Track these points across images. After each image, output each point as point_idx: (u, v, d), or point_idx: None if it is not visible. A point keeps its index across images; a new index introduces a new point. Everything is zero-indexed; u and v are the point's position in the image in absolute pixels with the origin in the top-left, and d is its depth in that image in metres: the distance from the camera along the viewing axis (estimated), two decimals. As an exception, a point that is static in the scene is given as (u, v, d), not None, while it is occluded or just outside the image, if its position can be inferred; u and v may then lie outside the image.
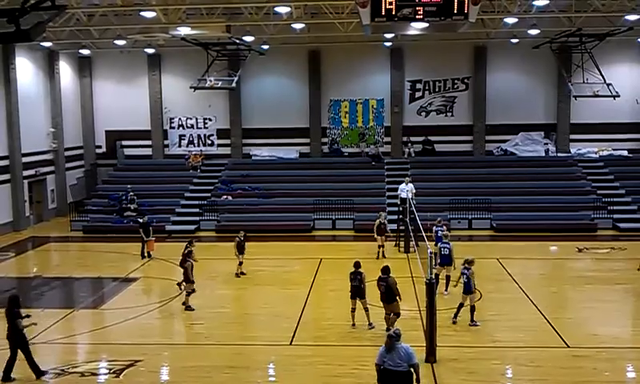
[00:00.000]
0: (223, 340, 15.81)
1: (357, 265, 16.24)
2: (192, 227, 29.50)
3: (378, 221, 23.61)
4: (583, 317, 17.08)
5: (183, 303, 17.93)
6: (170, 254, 23.74)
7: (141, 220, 25.32)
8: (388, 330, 15.57)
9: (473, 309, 16.17)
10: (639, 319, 16.40)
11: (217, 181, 33.04)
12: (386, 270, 15.68)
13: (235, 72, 32.17)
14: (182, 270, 18.55)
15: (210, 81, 30.53)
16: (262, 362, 14.57)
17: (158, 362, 14.48)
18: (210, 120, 35.68)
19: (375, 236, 23.49)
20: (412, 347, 10.82)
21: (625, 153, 33.59)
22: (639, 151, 33.80)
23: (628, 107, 33.20)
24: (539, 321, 16.40)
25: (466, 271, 16.18)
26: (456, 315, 16.33)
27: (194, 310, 17.72)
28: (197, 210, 30.69)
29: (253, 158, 35.32)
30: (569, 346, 14.89)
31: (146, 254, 24.36)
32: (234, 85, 31.70)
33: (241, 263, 21.45)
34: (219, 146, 35.70)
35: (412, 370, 10.53)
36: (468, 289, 16.12)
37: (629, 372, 14.01)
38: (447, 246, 18.62)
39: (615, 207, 29.26)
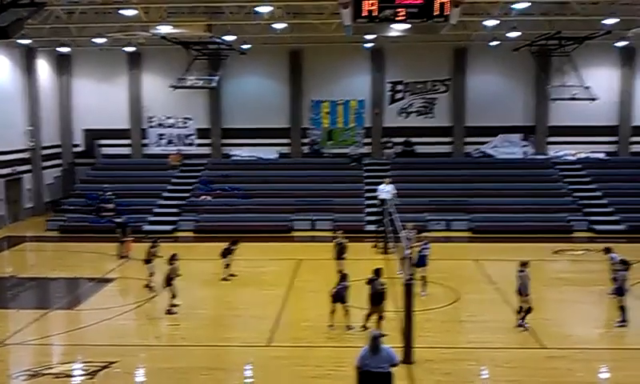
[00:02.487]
0: (200, 341, 15.72)
1: (377, 272, 15.93)
2: (170, 227, 29.31)
3: (334, 242, 20.72)
4: (559, 318, 17.22)
5: (167, 311, 17.70)
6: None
7: (118, 220, 25.12)
8: (364, 328, 15.66)
9: (528, 311, 16.05)
10: (613, 320, 16.52)
11: (196, 181, 32.88)
12: (377, 273, 15.73)
13: (216, 71, 32.08)
14: (147, 269, 18.89)
15: (191, 80, 30.40)
16: (240, 364, 14.50)
17: (134, 364, 14.37)
18: (190, 119, 35.51)
19: (335, 258, 20.35)
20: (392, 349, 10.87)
21: (602, 156, 33.96)
22: (616, 154, 34.22)
23: (605, 110, 33.56)
24: (514, 321, 16.48)
25: (521, 273, 16.14)
26: (523, 319, 16.18)
27: (175, 313, 17.58)
28: (175, 210, 30.53)
29: (232, 158, 35.22)
30: (545, 347, 15.02)
31: (123, 255, 24.17)
32: (214, 84, 31.61)
33: (227, 265, 21.25)
34: (199, 145, 35.55)
35: (392, 371, 10.55)
36: (523, 290, 16.04)
37: (603, 373, 14.17)
38: (427, 247, 18.70)
39: (591, 209, 29.58)
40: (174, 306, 17.72)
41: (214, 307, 19.03)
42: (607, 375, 14.06)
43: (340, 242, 20.36)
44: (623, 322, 16.28)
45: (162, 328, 17.06)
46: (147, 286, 19.31)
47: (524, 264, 16.24)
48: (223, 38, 28.71)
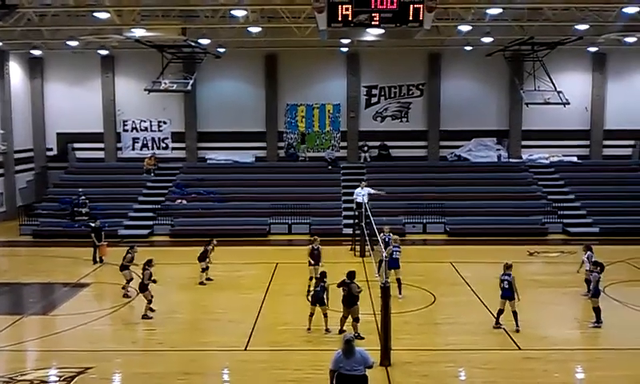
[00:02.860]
0: (177, 346, 15.59)
1: (350, 275, 15.89)
2: (145, 232, 29.07)
3: (310, 246, 19.90)
4: (534, 319, 17.36)
5: (143, 316, 17.52)
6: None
7: (93, 224, 24.84)
8: (341, 331, 15.68)
9: (515, 314, 16.16)
10: (587, 321, 16.75)
11: (171, 184, 32.65)
12: (351, 275, 15.76)
13: (191, 75, 31.90)
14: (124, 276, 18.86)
15: (165, 83, 30.22)
16: (217, 368, 14.42)
17: (110, 369, 14.20)
18: (165, 123, 35.30)
19: (309, 264, 19.59)
20: (366, 351, 10.88)
21: (574, 159, 34.47)
22: (588, 157, 34.75)
23: (577, 114, 34.07)
24: (491, 323, 16.64)
25: (506, 276, 16.24)
26: (497, 322, 16.36)
27: (152, 318, 17.42)
28: (150, 214, 30.28)
29: (208, 161, 35.06)
30: (520, 349, 15.16)
31: (97, 259, 23.91)
32: (189, 88, 31.44)
33: (204, 269, 21.10)
34: (174, 149, 35.33)
35: (367, 373, 10.57)
36: (508, 294, 16.15)
37: (578, 373, 14.36)
38: (398, 249, 18.79)
39: (565, 212, 29.98)
40: (151, 310, 17.58)
41: (190, 311, 18.88)
42: (582, 375, 14.24)
43: (316, 246, 19.92)
44: (597, 322, 16.52)
45: (138, 333, 16.89)
46: (125, 294, 19.15)
47: (509, 267, 16.36)
48: (198, 41, 28.59)
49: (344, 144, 35.10)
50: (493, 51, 32.25)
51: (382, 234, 19.86)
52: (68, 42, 28.89)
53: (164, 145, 35.39)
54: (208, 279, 20.96)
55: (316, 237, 20.22)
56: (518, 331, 15.97)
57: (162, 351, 15.27)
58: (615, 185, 32.03)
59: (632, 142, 34.92)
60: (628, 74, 34.59)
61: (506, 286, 16.09)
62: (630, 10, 22.91)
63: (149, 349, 15.61)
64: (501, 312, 16.31)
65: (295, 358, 14.66)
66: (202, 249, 21.23)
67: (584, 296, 18.41)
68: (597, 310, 16.61)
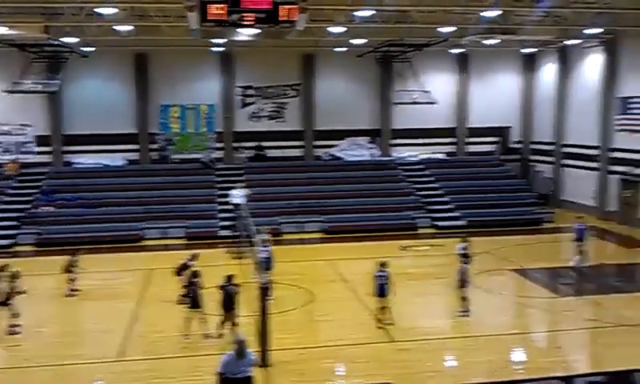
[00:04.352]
0: (46, 361, 14.76)
1: (228, 279, 15.72)
2: (7, 242, 27.28)
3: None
4: (407, 311, 17.98)
5: (9, 332, 16.44)
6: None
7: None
8: (220, 336, 15.55)
9: (388, 309, 16.46)
10: (457, 311, 17.54)
11: (36, 191, 30.89)
12: (228, 278, 15.57)
13: (56, 75, 30.34)
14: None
15: (28, 84, 28.58)
16: (90, 381, 13.87)
17: (-30, 391, 13.26)
18: (28, 126, 33.29)
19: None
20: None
21: (442, 156, 36.04)
22: (455, 154, 36.47)
23: (444, 113, 35.66)
24: (367, 318, 17.07)
25: (382, 273, 16.40)
26: (380, 320, 16.53)
27: (18, 333, 16.37)
28: (14, 222, 28.48)
29: (76, 166, 33.45)
30: (395, 340, 15.66)
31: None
32: (54, 89, 29.90)
33: (72, 280, 20.08)
34: (38, 153, 33.42)
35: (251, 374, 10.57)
36: (385, 291, 16.34)
37: (449, 360, 15.02)
38: (266, 250, 18.59)
39: (434, 207, 31.29)
40: (16, 325, 16.53)
41: (59, 324, 17.96)
42: (454, 363, 14.91)
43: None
44: (465, 311, 17.36)
45: (3, 350, 15.81)
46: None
47: (383, 264, 16.74)
48: (63, 40, 27.25)
49: (220, 145, 34.71)
50: (364, 52, 33.09)
51: (261, 235, 19.80)
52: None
53: (27, 149, 33.36)
54: (75, 290, 19.91)
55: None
56: (391, 325, 16.43)
57: (31, 367, 14.41)
58: (480, 180, 33.87)
59: (494, 139, 37.04)
60: (489, 74, 36.63)
61: (384, 282, 16.47)
62: (489, 13, 24.30)
63: (15, 365, 14.67)
64: (382, 309, 16.69)
65: (173, 366, 14.34)
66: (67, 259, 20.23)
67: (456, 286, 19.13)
68: (465, 300, 17.46)
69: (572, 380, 10.64)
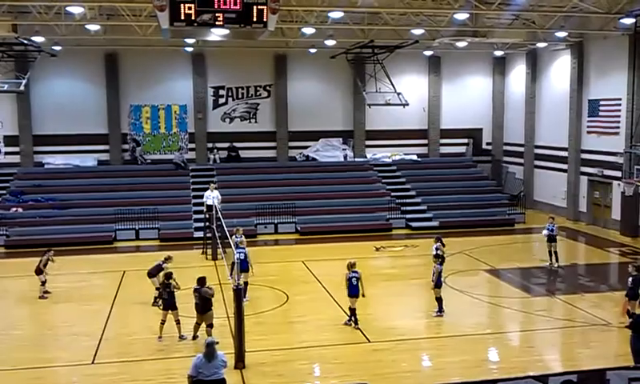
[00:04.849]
0: (17, 364, 14.47)
1: (201, 281, 15.45)
2: (-24, 244, 26.80)
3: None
4: (382, 312, 18.07)
5: None
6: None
7: None
8: (195, 338, 15.44)
9: (354, 311, 16.48)
10: (431, 311, 17.65)
11: (4, 192, 30.34)
12: (201, 281, 15.42)
13: (24, 74, 29.83)
14: None
15: (-6, 84, 28.11)
16: (61, 385, 13.63)
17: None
18: (-4, 126, 32.69)
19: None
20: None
21: (414, 157, 36.20)
22: (427, 155, 36.67)
23: (416, 115, 35.86)
24: (342, 318, 17.06)
25: (354, 274, 16.36)
26: (353, 319, 16.46)
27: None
28: (-19, 224, 27.96)
29: (45, 166, 32.91)
30: (370, 341, 15.68)
31: None
32: (22, 88, 29.39)
33: (43, 283, 19.73)
34: (7, 154, 32.80)
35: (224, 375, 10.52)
36: (357, 292, 16.31)
37: (424, 360, 15.09)
38: (242, 251, 18.46)
39: (407, 208, 31.43)
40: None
41: (31, 327, 17.64)
42: (428, 363, 14.97)
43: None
44: (440, 311, 17.46)
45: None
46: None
47: (353, 265, 16.71)
48: (31, 38, 26.81)
49: (192, 146, 34.45)
50: (336, 54, 33.15)
51: (234, 237, 19.71)
52: None
53: (-5, 149, 32.76)
54: (46, 292, 19.61)
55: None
56: (358, 327, 16.42)
57: (1, 371, 14.11)
58: (452, 181, 34.09)
59: (465, 140, 37.35)
60: (460, 76, 36.91)
61: (355, 283, 16.44)
62: (460, 16, 24.54)
63: (-17, 371, 14.38)
64: (352, 310, 16.61)
65: (146, 369, 14.18)
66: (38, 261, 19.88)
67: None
68: (439, 300, 17.55)
69: (546, 379, 10.72)
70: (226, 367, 10.65)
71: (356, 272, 16.55)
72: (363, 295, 16.55)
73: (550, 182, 33.61)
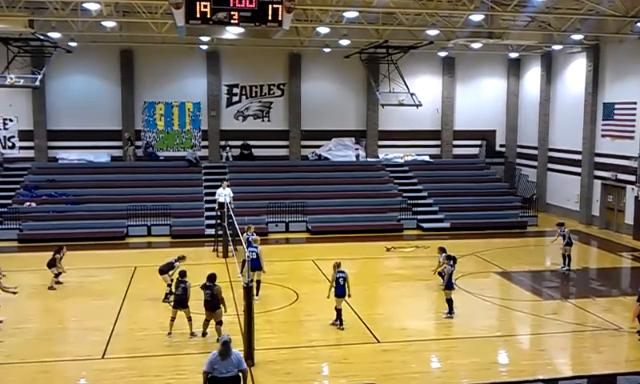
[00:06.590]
0: (27, 357, 14.60)
1: (211, 278, 15.51)
2: (-11, 237, 27.03)
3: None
4: (392, 312, 18.06)
5: None
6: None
7: None
8: (204, 335, 15.49)
9: (339, 311, 16.55)
10: (441, 312, 17.62)
11: (18, 186, 30.59)
12: (212, 278, 15.46)
13: (39, 70, 30.06)
14: None
15: (11, 78, 28.28)
16: (72, 379, 13.71)
17: (-50, 388, 13.08)
18: (11, 121, 32.94)
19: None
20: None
21: (427, 158, 36.14)
22: (440, 156, 36.59)
23: (430, 115, 35.80)
24: (351, 318, 17.07)
25: (341, 274, 16.42)
26: (340, 321, 16.52)
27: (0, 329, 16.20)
28: (-5, 218, 28.22)
29: (59, 161, 33.16)
30: (379, 341, 15.67)
31: None
32: (37, 83, 29.61)
33: (56, 275, 19.97)
34: (21, 148, 33.08)
35: (240, 374, 10.51)
36: (344, 291, 16.37)
37: (433, 362, 15.03)
38: (254, 250, 18.50)
39: (419, 208, 31.38)
40: (-3, 321, 16.40)
41: (42, 320, 17.77)
42: (437, 364, 14.91)
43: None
44: (450, 313, 17.42)
45: (-18, 347, 15.66)
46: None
47: (339, 265, 16.71)
48: (47, 34, 27.00)
49: (205, 143, 34.57)
50: (350, 53, 33.13)
51: (245, 234, 19.76)
52: None
53: (10, 144, 33.04)
54: (58, 283, 19.83)
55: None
56: (342, 329, 16.41)
57: (12, 364, 14.23)
58: (464, 182, 34.01)
59: (478, 142, 37.23)
60: (474, 78, 36.81)
61: (342, 283, 16.45)
62: (476, 17, 24.45)
63: (-5, 363, 14.51)
64: (338, 311, 16.62)
65: (156, 364, 14.23)
66: (51, 255, 20.11)
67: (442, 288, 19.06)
68: (449, 302, 17.51)
69: (556, 382, 10.68)
70: (240, 370, 10.57)
71: (342, 272, 16.57)
72: (349, 295, 16.59)
73: (563, 186, 33.42)
